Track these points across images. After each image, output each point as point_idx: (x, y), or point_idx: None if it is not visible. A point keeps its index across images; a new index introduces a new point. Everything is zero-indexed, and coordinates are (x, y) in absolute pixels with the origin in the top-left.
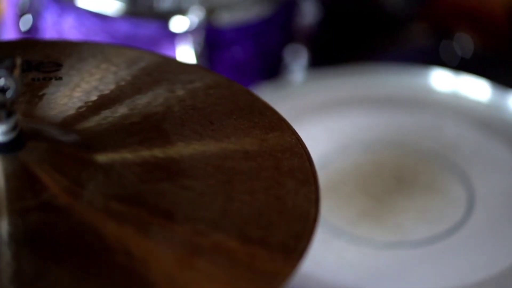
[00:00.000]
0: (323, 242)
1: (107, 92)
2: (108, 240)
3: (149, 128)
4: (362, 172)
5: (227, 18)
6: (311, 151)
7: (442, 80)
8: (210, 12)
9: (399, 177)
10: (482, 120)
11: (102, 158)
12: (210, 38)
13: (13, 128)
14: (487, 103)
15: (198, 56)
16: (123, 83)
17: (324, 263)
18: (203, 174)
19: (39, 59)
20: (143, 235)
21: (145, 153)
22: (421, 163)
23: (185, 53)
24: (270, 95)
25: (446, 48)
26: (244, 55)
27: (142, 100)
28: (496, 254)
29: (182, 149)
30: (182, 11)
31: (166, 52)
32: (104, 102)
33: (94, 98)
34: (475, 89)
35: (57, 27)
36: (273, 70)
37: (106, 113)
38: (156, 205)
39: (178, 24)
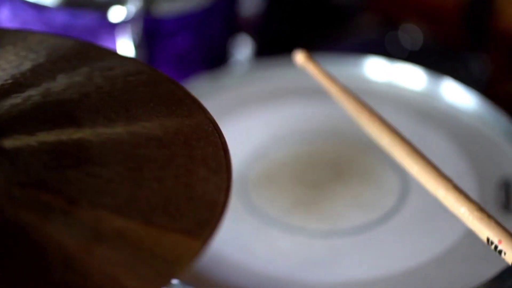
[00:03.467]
0: (256, 231)
1: (21, 79)
2: (7, 226)
3: (60, 115)
4: (299, 162)
5: (167, 8)
6: (248, 141)
7: (378, 69)
8: (149, 2)
9: (335, 167)
10: (418, 109)
11: (9, 144)
12: (150, 28)
13: None
14: (422, 92)
15: (137, 47)
16: (40, 70)
17: (256, 252)
18: (112, 161)
19: None
20: (44, 221)
21: (53, 140)
22: (357, 153)
23: (124, 44)
24: (209, 85)
25: (392, 40)
26: (186, 46)
27: (58, 87)
28: (427, 242)
29: (92, 137)
30: (120, 1)
31: (105, 43)
32: (17, 89)
33: (7, 85)
34: (410, 77)
35: None
36: (216, 60)
37: (17, 100)
38: (60, 192)
39: (117, 14)
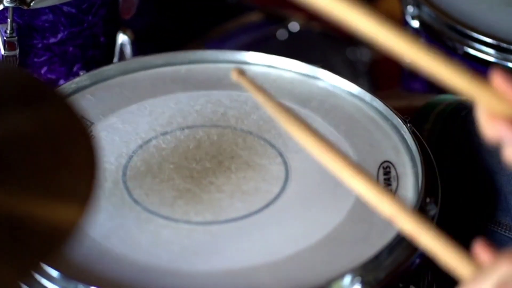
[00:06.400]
0: (138, 223)
1: None
2: None
3: None
4: (182, 153)
5: (40, 3)
6: (130, 134)
7: (259, 61)
8: None
9: (218, 157)
10: (298, 97)
11: None
12: (23, 23)
13: None
14: (302, 80)
15: (9, 43)
16: None
17: (138, 245)
18: None
19: None
20: None
21: None
22: (240, 142)
23: None
24: (89, 79)
25: (280, 34)
26: (60, 41)
27: None
28: (308, 228)
29: None
30: None
31: None
32: None
33: None
34: (290, 68)
35: None
36: (94, 56)
37: None
38: None
39: None
